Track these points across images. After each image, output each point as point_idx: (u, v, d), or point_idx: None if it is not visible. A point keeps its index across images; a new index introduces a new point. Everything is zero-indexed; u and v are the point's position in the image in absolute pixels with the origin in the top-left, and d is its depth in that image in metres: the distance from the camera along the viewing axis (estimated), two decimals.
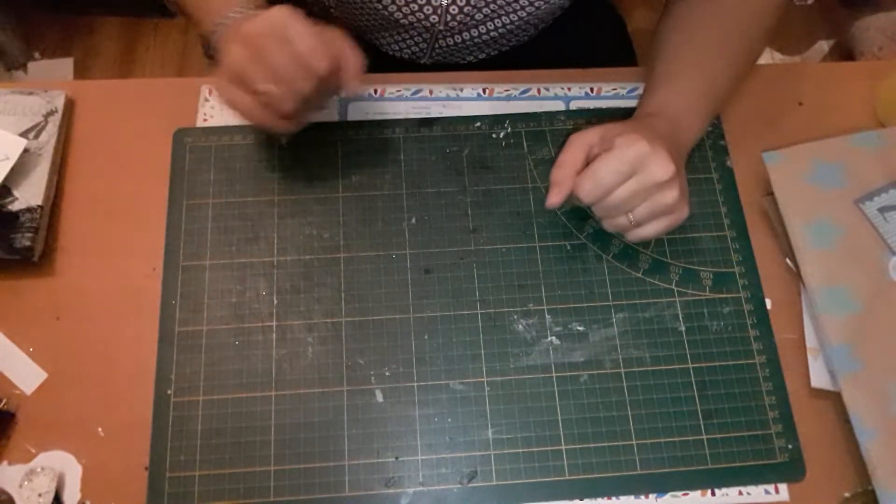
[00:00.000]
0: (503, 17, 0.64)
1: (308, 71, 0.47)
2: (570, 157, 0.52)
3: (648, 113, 0.55)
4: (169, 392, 0.53)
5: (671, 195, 0.50)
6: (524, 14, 0.64)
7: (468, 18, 0.63)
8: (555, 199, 0.52)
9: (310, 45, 0.46)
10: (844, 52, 1.44)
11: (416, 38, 0.68)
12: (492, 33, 0.66)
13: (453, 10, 0.61)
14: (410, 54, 0.71)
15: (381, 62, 0.73)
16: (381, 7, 0.62)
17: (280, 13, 0.47)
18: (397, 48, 0.71)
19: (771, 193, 0.59)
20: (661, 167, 0.49)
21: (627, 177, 0.49)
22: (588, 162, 0.52)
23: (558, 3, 0.65)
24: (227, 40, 0.49)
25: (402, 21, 0.63)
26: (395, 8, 0.62)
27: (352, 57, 0.49)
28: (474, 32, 0.66)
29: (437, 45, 0.69)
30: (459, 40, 0.67)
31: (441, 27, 0.64)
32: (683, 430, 0.53)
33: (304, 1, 0.73)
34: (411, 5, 0.61)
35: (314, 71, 0.46)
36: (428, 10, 0.61)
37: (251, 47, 0.47)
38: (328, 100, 0.54)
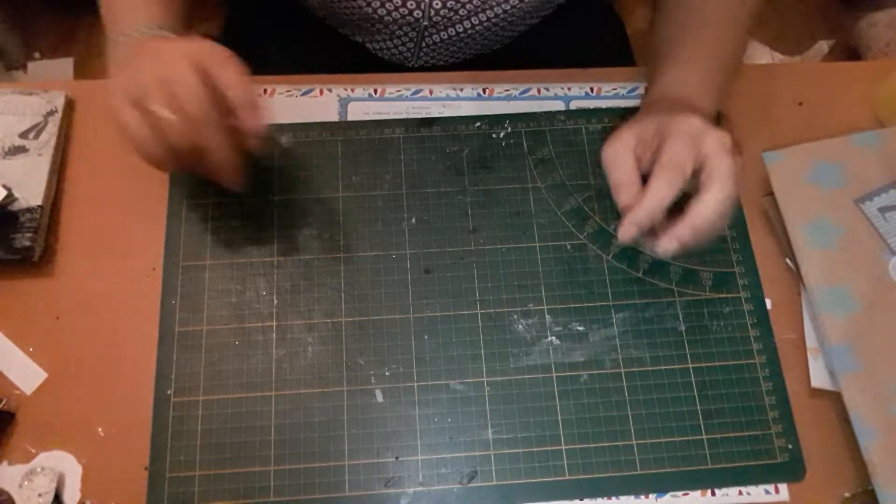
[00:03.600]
0: (488, 11, 0.64)
1: (209, 111, 0.44)
2: (623, 174, 0.49)
3: (663, 95, 0.54)
4: (169, 392, 0.53)
5: (735, 161, 0.48)
6: (508, 7, 0.63)
7: (452, 13, 0.63)
8: (628, 232, 0.48)
9: (229, 79, 0.44)
10: (849, 48, 1.44)
11: (402, 38, 0.68)
12: (478, 27, 0.66)
13: (437, 4, 0.61)
14: (399, 55, 0.71)
15: (371, 66, 0.73)
16: (364, 4, 0.62)
17: (205, 45, 0.45)
18: (385, 48, 0.71)
19: (771, 193, 0.59)
20: (720, 137, 0.47)
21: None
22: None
23: None
24: (135, 55, 0.47)
25: (386, 18, 0.63)
26: (378, 4, 0.62)
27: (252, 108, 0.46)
28: (460, 28, 0.66)
29: (423, 44, 0.68)
30: (446, 36, 0.67)
31: (426, 23, 0.64)
32: (683, 430, 0.53)
33: (289, 7, 0.73)
34: (394, 0, 0.61)
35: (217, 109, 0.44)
36: (411, 4, 0.61)
37: (157, 68, 0.44)
38: (234, 159, 0.48)
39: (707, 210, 0.47)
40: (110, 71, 0.50)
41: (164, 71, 0.44)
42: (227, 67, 0.45)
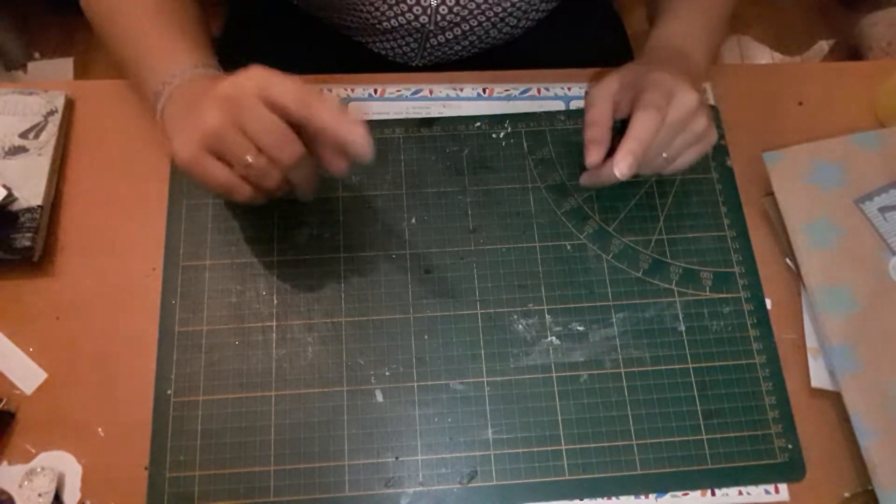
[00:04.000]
0: (495, 7, 0.64)
1: (295, 141, 0.42)
2: (598, 113, 0.52)
3: (653, 46, 0.58)
4: (169, 392, 0.53)
5: (702, 122, 0.51)
6: (515, 0, 0.64)
7: (457, 16, 0.63)
8: (594, 157, 0.51)
9: (298, 102, 0.41)
10: (849, 48, 1.44)
11: (406, 39, 0.68)
12: (484, 24, 0.66)
13: (443, 9, 0.61)
14: (402, 55, 0.71)
15: (374, 64, 0.73)
16: (369, 12, 0.62)
17: (260, 71, 0.42)
18: (389, 48, 0.71)
19: (771, 193, 0.59)
20: (688, 95, 0.50)
21: (663, 121, 0.50)
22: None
23: None
24: (196, 102, 0.44)
25: (392, 23, 0.63)
26: (383, 10, 0.62)
27: (350, 121, 0.43)
28: (465, 27, 0.66)
29: (428, 45, 0.68)
30: (451, 36, 0.67)
31: (431, 27, 0.64)
32: (683, 430, 0.53)
33: (290, 7, 0.73)
34: (401, 5, 0.61)
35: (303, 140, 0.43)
36: (417, 10, 0.61)
37: (231, 111, 0.42)
38: (314, 177, 0.48)
39: (647, 118, 0.49)
40: (168, 126, 0.49)
41: (240, 116, 0.42)
42: (310, 102, 0.42)
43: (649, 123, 0.49)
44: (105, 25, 0.56)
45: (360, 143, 0.43)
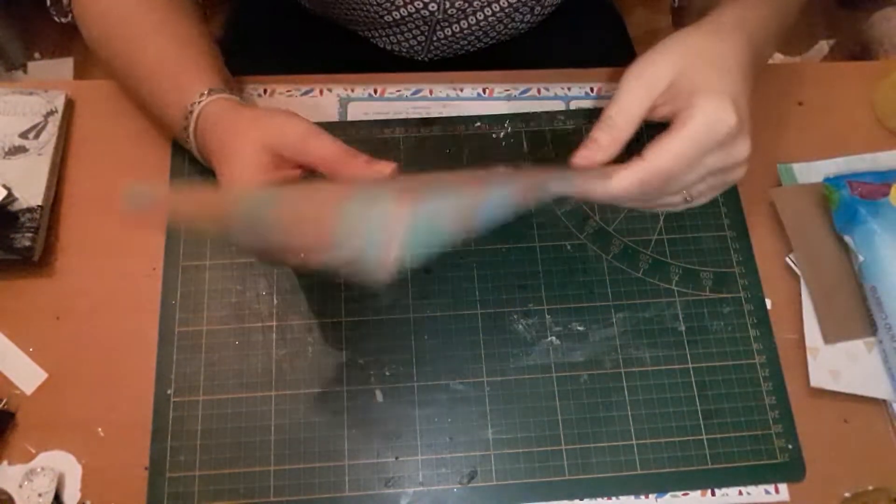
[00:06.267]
0: (501, 1, 0.64)
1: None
2: (624, 111, 0.41)
3: (729, 24, 0.43)
4: (169, 392, 0.53)
5: (742, 171, 0.42)
6: None
7: (467, 5, 0.63)
8: (583, 158, 0.42)
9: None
10: (857, 45, 1.43)
11: (413, 31, 0.68)
12: (490, 18, 0.66)
13: None
14: (409, 48, 0.71)
15: (379, 59, 0.73)
16: (378, 3, 0.62)
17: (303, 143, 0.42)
18: (395, 42, 0.71)
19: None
20: (745, 143, 0.40)
21: (701, 160, 0.39)
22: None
23: None
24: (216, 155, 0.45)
25: (401, 13, 0.63)
26: (390, 2, 0.61)
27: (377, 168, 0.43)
28: (472, 20, 0.66)
29: (434, 38, 0.68)
30: (458, 29, 0.67)
31: (440, 16, 0.63)
32: (683, 430, 0.53)
33: (292, 4, 0.73)
34: None
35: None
36: None
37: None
38: None
39: (682, 153, 0.39)
40: (205, 157, 0.50)
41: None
42: (338, 169, 0.42)
43: (681, 161, 0.39)
44: (118, 54, 0.54)
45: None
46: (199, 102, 0.49)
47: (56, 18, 0.57)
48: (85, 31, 0.56)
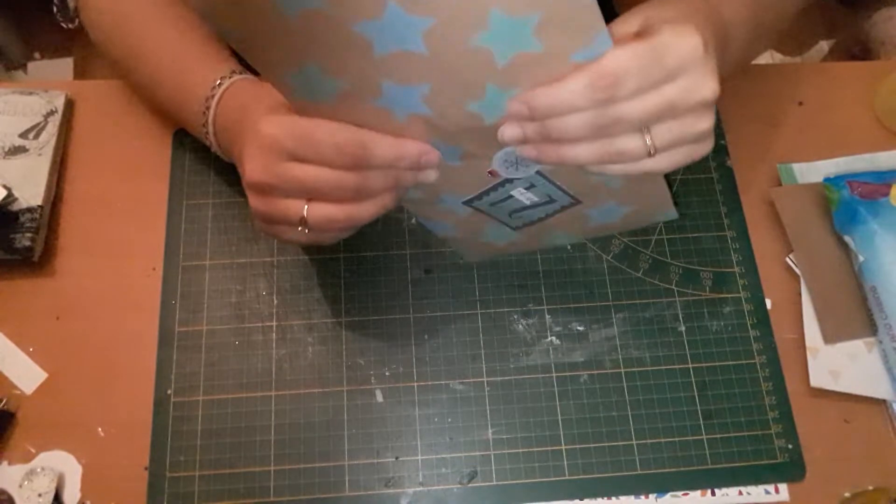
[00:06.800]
0: None
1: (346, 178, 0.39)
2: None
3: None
4: (169, 392, 0.53)
5: (708, 121, 0.38)
6: None
7: None
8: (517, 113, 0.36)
9: (348, 147, 0.38)
10: (856, 45, 1.43)
11: None
12: None
13: None
14: None
15: None
16: None
17: (289, 129, 0.39)
18: None
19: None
20: (711, 81, 0.36)
21: (659, 83, 0.35)
22: None
23: None
24: (236, 138, 0.44)
25: None
26: None
27: (414, 146, 0.39)
28: None
29: None
30: None
31: None
32: (683, 430, 0.53)
33: None
34: None
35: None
36: None
37: (265, 190, 0.40)
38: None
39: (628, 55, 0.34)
40: (226, 152, 0.49)
41: (277, 189, 0.40)
42: (362, 141, 0.38)
43: (636, 63, 0.34)
44: (128, 52, 0.54)
45: (432, 162, 0.39)
46: (221, 85, 0.48)
47: (63, 24, 0.57)
48: (93, 33, 0.56)
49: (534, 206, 0.45)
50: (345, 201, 0.40)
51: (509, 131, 0.37)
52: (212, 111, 0.49)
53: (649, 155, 0.38)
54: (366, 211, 0.41)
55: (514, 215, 0.46)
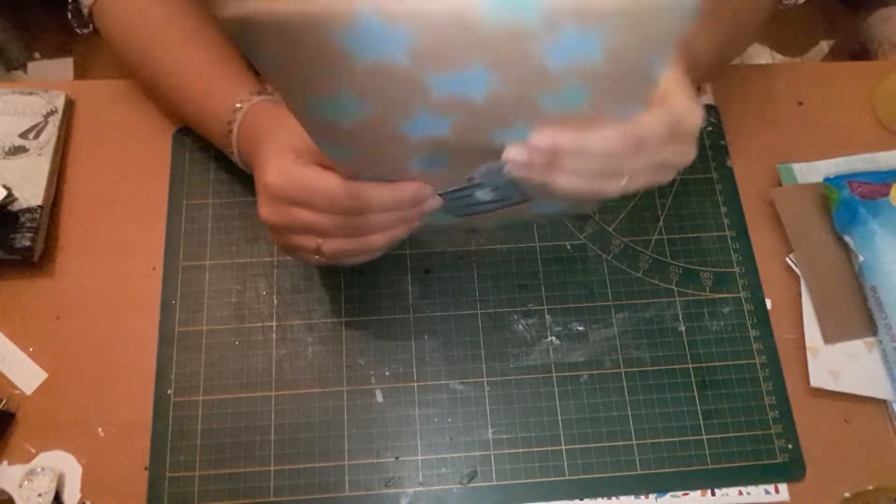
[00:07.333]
0: None
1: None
2: None
3: None
4: (169, 392, 0.53)
5: (691, 151, 0.40)
6: None
7: None
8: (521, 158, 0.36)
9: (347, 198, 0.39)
10: (855, 45, 1.43)
11: None
12: None
13: None
14: None
15: None
16: None
17: (295, 179, 0.40)
18: None
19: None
20: (698, 113, 0.38)
21: (665, 146, 0.38)
22: None
23: None
24: (255, 153, 0.45)
25: None
26: None
27: (412, 189, 0.40)
28: None
29: None
30: None
31: None
32: (683, 430, 0.53)
33: None
34: None
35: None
36: None
37: (280, 214, 0.42)
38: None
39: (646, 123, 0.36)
40: (248, 166, 0.50)
41: (291, 219, 0.42)
42: (359, 193, 0.39)
43: (659, 130, 0.36)
44: (147, 64, 0.54)
45: (427, 198, 0.41)
46: (241, 109, 0.49)
47: (77, 30, 0.57)
48: (107, 40, 0.56)
49: (489, 202, 0.45)
50: (354, 237, 0.42)
51: (517, 156, 0.36)
52: (234, 135, 0.50)
53: (618, 190, 0.39)
54: (376, 243, 0.42)
55: (466, 208, 0.46)
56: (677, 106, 0.38)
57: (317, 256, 0.43)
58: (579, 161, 0.37)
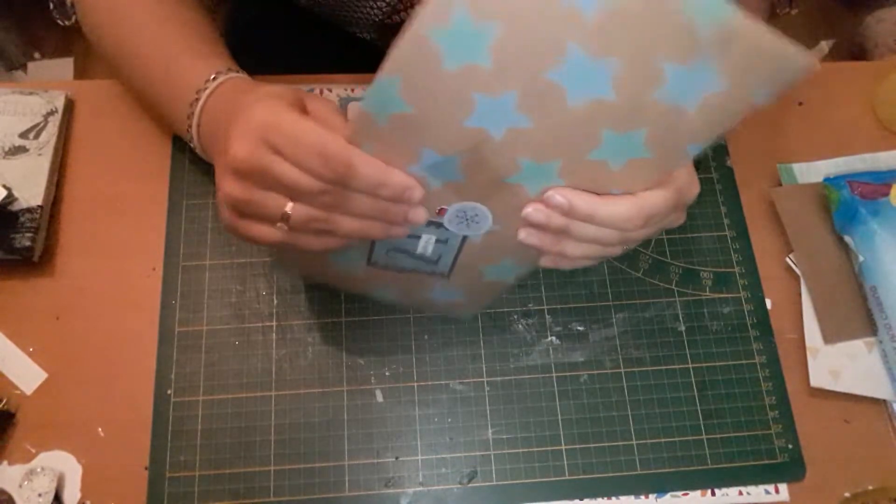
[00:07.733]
0: None
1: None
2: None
3: None
4: (169, 392, 0.53)
5: (683, 217, 0.43)
6: None
7: None
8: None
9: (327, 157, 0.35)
10: (853, 46, 1.43)
11: None
12: None
13: None
14: None
15: (379, 60, 0.72)
16: (379, 8, 0.62)
17: (269, 118, 0.37)
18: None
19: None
20: (697, 186, 0.41)
21: (666, 219, 0.41)
22: None
23: None
24: (220, 132, 0.40)
25: (402, 16, 0.63)
26: (393, 4, 0.61)
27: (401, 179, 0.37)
28: None
29: None
30: None
31: None
32: (683, 430, 0.53)
33: (292, 6, 0.73)
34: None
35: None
36: None
37: (249, 172, 0.37)
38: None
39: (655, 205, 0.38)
40: (208, 153, 0.49)
41: (262, 173, 0.37)
42: (343, 155, 0.36)
43: (665, 207, 0.39)
44: (122, 47, 0.54)
45: (414, 198, 0.37)
46: (216, 79, 0.48)
47: (59, 21, 0.56)
48: (86, 27, 0.56)
49: (415, 256, 0.43)
50: (326, 211, 0.38)
51: (536, 215, 0.38)
52: (201, 102, 0.47)
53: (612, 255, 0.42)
54: (346, 226, 0.38)
55: (389, 252, 0.43)
56: (680, 180, 0.40)
57: (278, 226, 0.38)
58: (589, 231, 0.39)
